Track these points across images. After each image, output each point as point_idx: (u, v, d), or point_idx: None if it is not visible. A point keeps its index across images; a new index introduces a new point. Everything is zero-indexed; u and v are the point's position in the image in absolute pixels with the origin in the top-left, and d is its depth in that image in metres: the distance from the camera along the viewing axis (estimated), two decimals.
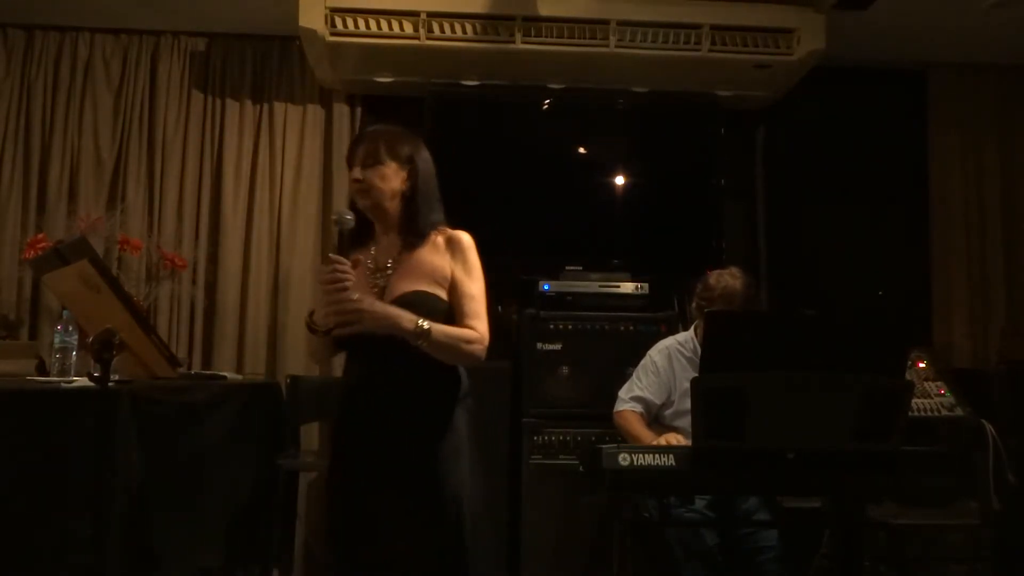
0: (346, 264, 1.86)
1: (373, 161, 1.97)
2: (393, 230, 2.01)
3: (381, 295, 1.94)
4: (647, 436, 2.68)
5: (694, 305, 2.89)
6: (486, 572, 2.00)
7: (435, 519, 1.89)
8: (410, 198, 2.00)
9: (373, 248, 2.03)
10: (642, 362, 2.88)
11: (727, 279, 2.78)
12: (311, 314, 1.97)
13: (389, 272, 1.98)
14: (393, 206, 2.00)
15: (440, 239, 2.02)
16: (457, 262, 1.99)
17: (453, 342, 1.90)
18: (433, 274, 1.97)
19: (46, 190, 3.74)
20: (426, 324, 1.86)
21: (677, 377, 2.77)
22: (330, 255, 1.89)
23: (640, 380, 2.83)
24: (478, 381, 3.21)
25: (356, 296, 1.84)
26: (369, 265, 2.00)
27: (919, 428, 2.93)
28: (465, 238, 2.03)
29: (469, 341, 1.93)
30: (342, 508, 1.95)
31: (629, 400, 2.80)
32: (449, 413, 1.95)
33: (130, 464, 2.17)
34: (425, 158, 2.04)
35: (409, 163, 2.00)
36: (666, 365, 2.81)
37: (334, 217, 1.96)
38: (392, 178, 1.98)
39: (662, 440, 2.53)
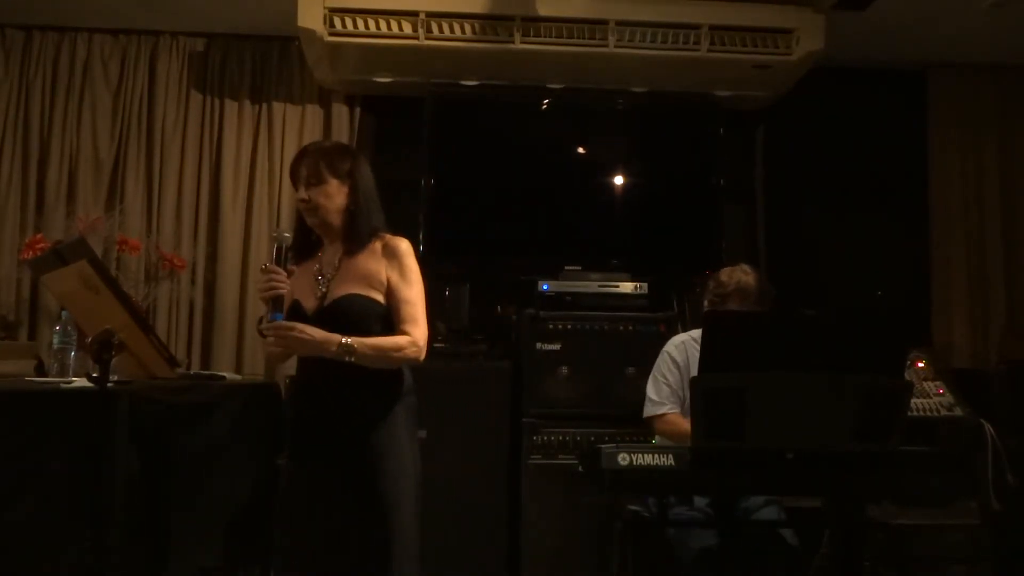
0: (280, 273, 2.03)
1: (316, 180, 2.11)
2: (338, 240, 2.15)
3: (323, 300, 2.10)
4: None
5: (706, 302, 2.87)
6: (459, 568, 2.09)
7: (369, 511, 2.01)
8: (352, 211, 2.12)
9: (321, 257, 2.17)
10: (660, 360, 2.86)
11: (739, 275, 2.78)
12: (260, 321, 2.12)
13: (330, 278, 2.12)
14: (338, 219, 2.14)
15: (378, 245, 2.14)
16: (393, 268, 2.11)
17: (380, 352, 2.03)
18: (368, 278, 2.10)
19: (44, 190, 3.74)
20: (349, 341, 1.99)
21: (693, 371, 2.75)
22: (265, 264, 2.07)
23: (666, 377, 2.81)
24: (478, 381, 3.24)
25: (288, 328, 1.99)
26: (316, 272, 2.14)
27: (919, 428, 2.93)
28: (402, 244, 2.15)
29: (399, 348, 2.05)
30: (292, 499, 2.11)
31: (667, 401, 2.78)
32: (388, 410, 2.07)
33: (129, 465, 2.17)
34: (364, 171, 2.17)
35: (349, 178, 2.13)
36: (683, 359, 2.80)
37: (274, 235, 2.14)
38: (335, 195, 2.12)
39: None
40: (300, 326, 2.00)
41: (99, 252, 3.31)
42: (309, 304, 2.11)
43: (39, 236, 3.43)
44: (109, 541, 2.03)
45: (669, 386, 2.79)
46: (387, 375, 2.08)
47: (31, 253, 3.27)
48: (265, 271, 2.06)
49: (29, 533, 2.05)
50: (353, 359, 2.00)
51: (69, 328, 2.53)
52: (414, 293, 2.10)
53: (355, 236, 2.12)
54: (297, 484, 2.12)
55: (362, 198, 2.13)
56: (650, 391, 2.84)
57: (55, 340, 2.55)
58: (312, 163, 2.13)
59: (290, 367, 3.61)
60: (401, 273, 2.10)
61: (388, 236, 2.16)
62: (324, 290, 2.12)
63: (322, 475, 2.07)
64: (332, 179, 2.11)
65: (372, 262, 2.11)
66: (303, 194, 2.12)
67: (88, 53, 3.81)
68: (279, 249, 2.10)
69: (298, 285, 2.13)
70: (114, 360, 2.00)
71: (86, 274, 2.27)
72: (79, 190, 3.74)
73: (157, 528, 2.27)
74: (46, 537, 2.06)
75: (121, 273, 3.58)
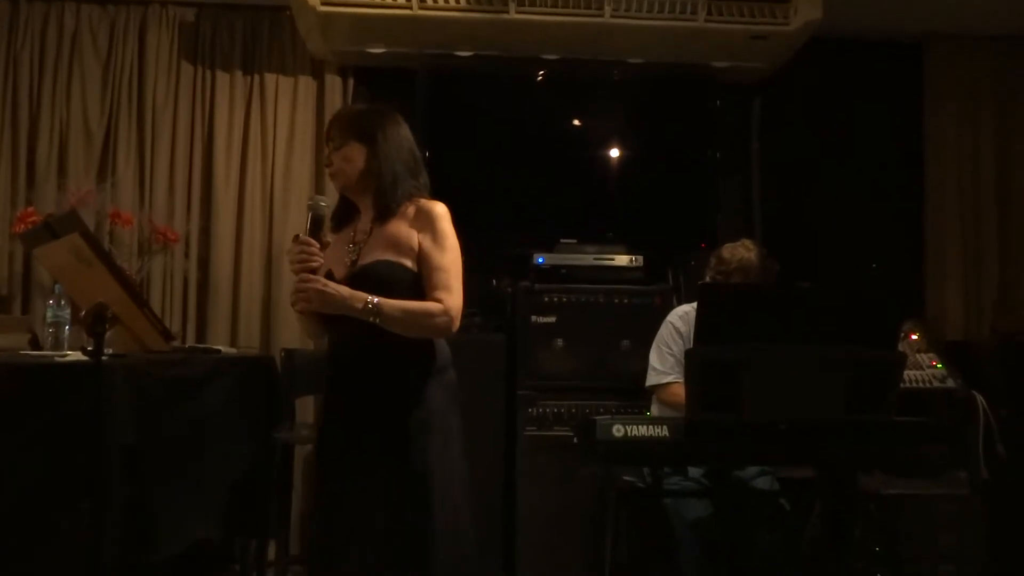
0: (314, 245, 1.94)
1: (338, 144, 2.05)
2: (370, 206, 2.07)
3: (353, 267, 2.01)
4: None
5: (708, 279, 2.88)
6: (467, 545, 2.01)
7: (400, 493, 1.92)
8: (377, 174, 2.03)
9: (356, 224, 2.10)
10: (663, 330, 2.86)
11: (742, 251, 2.79)
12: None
13: (361, 245, 2.04)
14: (363, 184, 2.05)
15: (411, 209, 2.04)
16: (425, 233, 2.01)
17: (409, 316, 1.93)
18: (398, 244, 2.00)
19: (35, 163, 3.69)
20: (377, 301, 1.90)
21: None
22: (297, 235, 1.98)
23: (670, 347, 2.80)
24: (473, 354, 3.24)
25: (313, 282, 1.91)
26: (349, 239, 2.06)
27: (911, 399, 2.96)
28: (437, 208, 2.03)
29: (430, 314, 1.94)
30: (323, 478, 2.04)
31: (671, 371, 2.77)
32: (419, 387, 1.97)
33: (125, 438, 2.18)
34: (391, 134, 2.06)
35: (371, 141, 2.03)
36: (687, 329, 2.79)
37: (309, 202, 2.04)
38: (356, 158, 2.04)
39: None
40: (324, 280, 1.92)
41: (91, 225, 3.28)
42: (340, 272, 2.03)
43: (30, 209, 3.40)
44: (105, 513, 2.04)
45: (673, 355, 2.78)
46: (416, 352, 1.98)
47: (22, 227, 3.25)
48: (297, 242, 1.96)
49: (26, 506, 2.06)
50: (379, 321, 1.90)
51: (63, 302, 2.52)
52: (448, 260, 1.98)
53: (381, 201, 2.02)
54: (330, 468, 2.03)
55: (384, 161, 2.02)
56: (654, 360, 2.84)
57: (49, 314, 2.54)
58: (337, 126, 2.07)
59: (290, 343, 3.63)
60: (434, 238, 1.99)
61: (423, 200, 2.04)
62: (354, 257, 2.03)
63: (353, 459, 1.98)
64: (353, 142, 2.03)
65: (403, 227, 2.01)
66: (327, 159, 2.08)
67: (76, 24, 3.75)
68: (314, 219, 2.00)
69: (332, 254, 2.06)
70: (109, 334, 1.99)
71: (78, 247, 2.26)
72: (70, 163, 3.70)
73: (153, 500, 2.28)
74: (43, 510, 2.07)
75: (114, 246, 3.56)
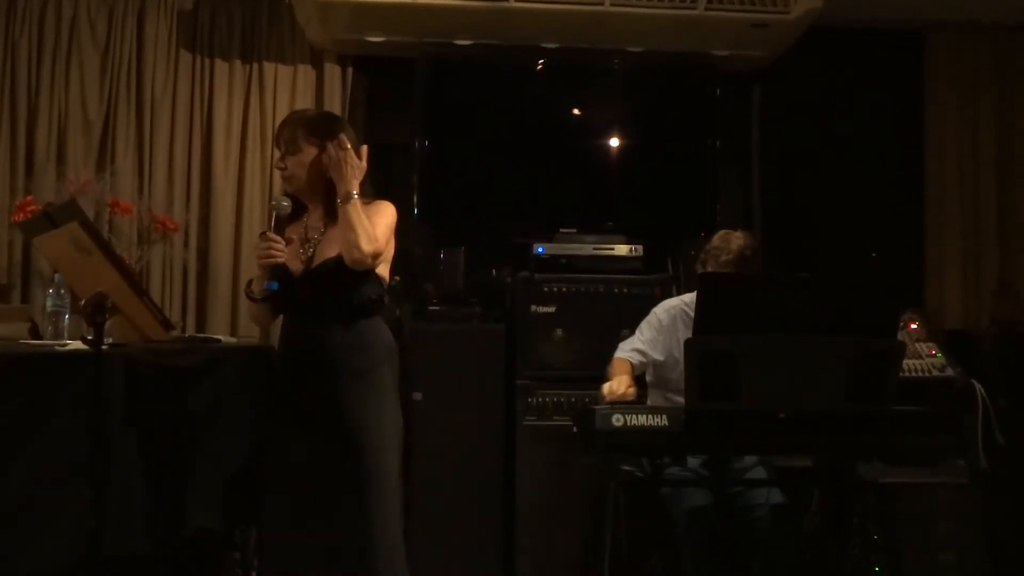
0: (280, 241, 2.11)
1: (292, 149, 2.16)
2: (321, 205, 2.19)
3: (309, 263, 2.15)
4: (616, 378, 2.69)
5: (697, 265, 2.89)
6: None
7: (355, 464, 2.08)
8: (330, 179, 2.14)
9: (306, 222, 2.22)
10: (647, 318, 2.89)
11: (727, 238, 2.79)
12: (249, 283, 2.17)
13: (316, 243, 2.17)
14: (317, 187, 2.17)
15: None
16: (372, 210, 2.15)
17: (363, 223, 2.06)
18: None
19: (34, 152, 3.69)
20: (356, 196, 2.07)
21: (681, 337, 2.76)
22: (265, 232, 2.13)
23: (643, 333, 2.85)
24: (472, 343, 3.25)
25: (344, 151, 2.09)
26: (302, 235, 2.21)
27: (910, 389, 2.96)
28: (385, 203, 2.21)
29: (370, 238, 2.06)
30: (276, 455, 2.21)
31: (628, 351, 2.83)
32: (372, 368, 2.15)
33: (126, 427, 2.18)
34: (345, 141, 2.16)
35: (326, 148, 2.14)
36: (670, 324, 2.81)
37: (272, 203, 2.20)
38: (312, 164, 2.16)
39: (612, 384, 2.62)
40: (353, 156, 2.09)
41: (91, 214, 3.27)
42: (295, 266, 2.16)
43: (29, 198, 3.39)
44: (107, 503, 2.05)
45: (642, 342, 2.83)
46: (369, 339, 2.15)
47: (22, 215, 3.24)
48: (264, 238, 2.11)
49: (28, 496, 2.07)
50: (349, 206, 2.06)
51: (62, 291, 2.52)
52: (381, 227, 2.12)
53: (334, 205, 2.14)
54: (281, 438, 2.20)
55: None
56: (624, 342, 2.89)
57: (48, 303, 2.54)
58: (290, 131, 2.18)
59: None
60: (377, 212, 2.15)
61: (374, 200, 2.20)
62: (310, 253, 2.17)
63: (305, 429, 2.14)
64: (308, 148, 2.15)
65: None
66: (279, 162, 2.19)
67: (75, 12, 3.74)
68: (277, 217, 2.14)
69: (286, 249, 2.16)
70: (108, 323, 2.01)
71: (77, 236, 2.25)
72: (69, 152, 3.69)
73: (155, 490, 2.28)
74: (45, 499, 2.07)
75: (113, 236, 3.56)
